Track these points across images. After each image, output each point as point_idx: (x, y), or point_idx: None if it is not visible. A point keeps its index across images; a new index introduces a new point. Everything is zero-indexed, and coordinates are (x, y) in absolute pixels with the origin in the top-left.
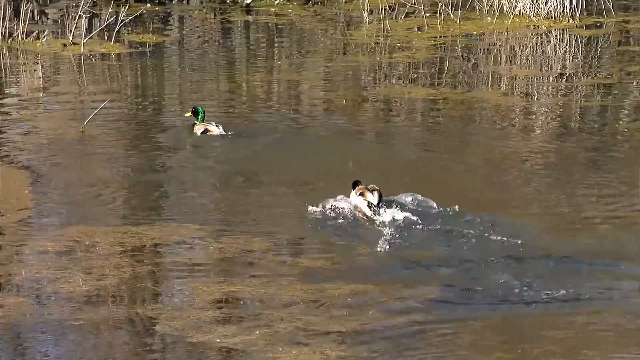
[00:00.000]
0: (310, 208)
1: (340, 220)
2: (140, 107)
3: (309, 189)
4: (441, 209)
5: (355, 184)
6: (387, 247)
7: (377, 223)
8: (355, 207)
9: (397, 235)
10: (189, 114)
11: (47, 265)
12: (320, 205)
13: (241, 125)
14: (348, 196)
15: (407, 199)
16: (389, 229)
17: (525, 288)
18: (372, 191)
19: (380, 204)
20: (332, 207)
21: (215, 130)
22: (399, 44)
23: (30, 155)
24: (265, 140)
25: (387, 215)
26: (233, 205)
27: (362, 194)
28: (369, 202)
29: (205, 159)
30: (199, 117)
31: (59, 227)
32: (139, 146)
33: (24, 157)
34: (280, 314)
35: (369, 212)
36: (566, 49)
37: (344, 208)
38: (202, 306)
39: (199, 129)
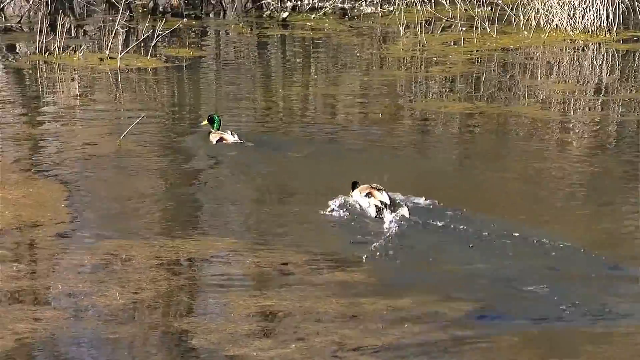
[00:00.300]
0: (320, 212)
1: (372, 233)
2: (176, 120)
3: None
4: (479, 219)
5: (354, 185)
6: (421, 259)
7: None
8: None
9: (428, 247)
10: (205, 122)
11: (84, 278)
12: (328, 209)
13: (277, 137)
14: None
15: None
16: (418, 240)
17: (562, 302)
18: (379, 190)
19: (390, 202)
20: (342, 205)
21: (230, 138)
22: (435, 58)
23: (67, 168)
24: (301, 153)
25: (398, 216)
26: (268, 218)
27: (369, 194)
28: (381, 202)
29: (241, 172)
30: (215, 125)
31: (95, 240)
32: (175, 160)
33: (61, 171)
34: (316, 327)
35: (374, 213)
36: (603, 63)
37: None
38: (237, 320)
39: (214, 137)
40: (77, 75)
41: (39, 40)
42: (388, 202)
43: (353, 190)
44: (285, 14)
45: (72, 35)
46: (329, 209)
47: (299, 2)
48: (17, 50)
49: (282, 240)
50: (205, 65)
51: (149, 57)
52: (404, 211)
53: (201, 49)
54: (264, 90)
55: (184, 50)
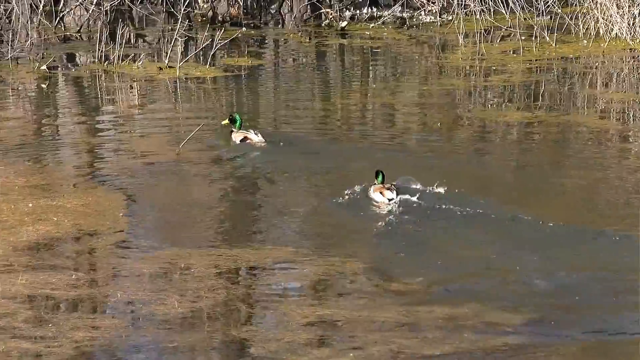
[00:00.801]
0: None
1: (426, 242)
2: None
3: (400, 211)
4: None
5: (377, 174)
6: (476, 267)
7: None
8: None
9: (483, 256)
10: (226, 121)
11: (143, 287)
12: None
13: (334, 145)
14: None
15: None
16: (472, 248)
17: (623, 311)
18: (390, 190)
19: (395, 198)
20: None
21: (254, 138)
22: (494, 67)
23: (126, 177)
24: (358, 161)
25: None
26: (325, 226)
27: (381, 192)
28: (389, 199)
29: (297, 181)
30: (237, 124)
31: (154, 249)
32: (234, 168)
33: (120, 180)
34: (374, 336)
35: (385, 207)
36: None
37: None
38: (295, 329)
39: (237, 136)
40: (136, 85)
41: (99, 50)
42: (395, 198)
43: (377, 179)
44: (344, 23)
45: (132, 44)
46: (341, 198)
47: (358, 11)
48: (76, 59)
49: (339, 249)
50: (264, 74)
51: (207, 66)
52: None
53: (260, 58)
54: (322, 99)
55: (243, 60)
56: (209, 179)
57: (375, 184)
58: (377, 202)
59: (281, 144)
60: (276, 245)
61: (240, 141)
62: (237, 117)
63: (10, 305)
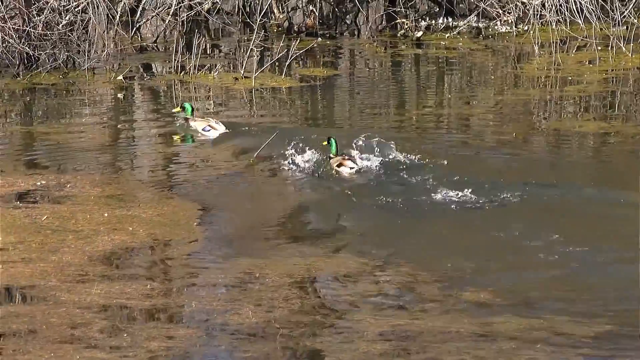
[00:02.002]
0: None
1: (499, 251)
2: (309, 139)
3: (472, 218)
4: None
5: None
6: (552, 278)
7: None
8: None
9: (558, 264)
10: (178, 109)
11: (217, 297)
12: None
13: (408, 155)
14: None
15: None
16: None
17: None
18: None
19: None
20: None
21: (218, 127)
22: (569, 77)
23: (200, 187)
24: (432, 170)
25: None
26: (398, 236)
27: (339, 164)
28: (350, 168)
29: (370, 190)
30: (188, 111)
31: (228, 258)
32: (307, 178)
33: (195, 189)
34: (448, 347)
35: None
36: None
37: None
38: (370, 339)
39: (199, 125)
40: (211, 95)
41: (175, 60)
42: (356, 167)
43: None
44: (419, 33)
45: (208, 54)
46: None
47: (434, 22)
48: (152, 70)
49: (412, 259)
50: (339, 84)
51: (283, 76)
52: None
53: (335, 68)
54: (397, 109)
55: (318, 70)
56: (282, 188)
57: (331, 156)
58: (343, 174)
59: (355, 153)
60: (349, 255)
61: (203, 130)
62: (187, 105)
63: (86, 314)
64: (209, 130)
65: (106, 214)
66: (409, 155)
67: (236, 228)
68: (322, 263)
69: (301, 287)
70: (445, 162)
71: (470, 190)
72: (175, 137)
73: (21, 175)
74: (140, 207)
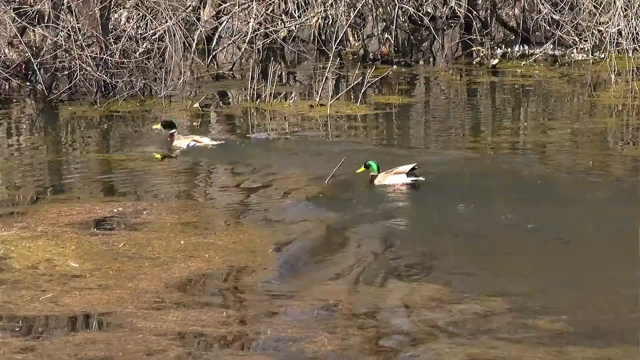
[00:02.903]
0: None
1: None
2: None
3: (547, 247)
4: None
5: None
6: (627, 307)
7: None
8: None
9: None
10: (158, 125)
11: (292, 324)
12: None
13: (485, 183)
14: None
15: None
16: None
17: None
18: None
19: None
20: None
21: (205, 140)
22: None
23: (275, 213)
24: (506, 198)
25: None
26: (471, 264)
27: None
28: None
29: (443, 218)
30: (174, 127)
31: (303, 286)
32: (379, 204)
33: (270, 216)
34: None
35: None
36: None
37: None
38: None
39: (184, 142)
40: (287, 122)
41: (250, 87)
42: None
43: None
44: (495, 61)
45: (283, 82)
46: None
47: (509, 49)
48: (228, 97)
49: (486, 287)
50: (414, 111)
51: (358, 103)
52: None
53: (410, 95)
54: (472, 137)
55: (393, 97)
56: (356, 214)
57: (375, 175)
58: (395, 184)
59: (421, 178)
60: (422, 283)
61: (189, 146)
62: (174, 120)
63: (162, 341)
64: (194, 144)
65: (182, 241)
66: (482, 183)
67: (311, 255)
68: (396, 291)
69: (375, 315)
70: (520, 190)
71: (545, 218)
72: (156, 155)
73: (98, 202)
74: (215, 234)
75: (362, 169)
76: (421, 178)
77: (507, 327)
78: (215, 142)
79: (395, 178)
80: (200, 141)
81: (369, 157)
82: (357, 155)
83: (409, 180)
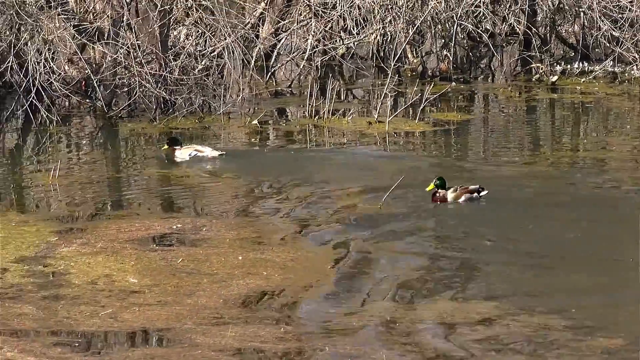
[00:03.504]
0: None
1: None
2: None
3: (606, 263)
4: None
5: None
6: None
7: None
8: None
9: None
10: (166, 146)
11: (350, 341)
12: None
13: (541, 199)
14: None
15: None
16: None
17: None
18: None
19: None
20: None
21: (206, 150)
22: None
23: (332, 230)
24: (565, 214)
25: None
26: (528, 280)
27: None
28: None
29: (501, 234)
30: (178, 143)
31: (363, 303)
32: (435, 223)
33: (327, 233)
34: None
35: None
36: None
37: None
38: None
39: (185, 152)
40: (345, 138)
41: (309, 104)
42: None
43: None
44: (554, 78)
45: (341, 99)
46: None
47: (569, 66)
48: (287, 114)
49: (543, 304)
50: (473, 128)
51: (416, 120)
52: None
53: (469, 112)
54: (531, 153)
55: (452, 114)
56: (414, 231)
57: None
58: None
59: (481, 195)
60: (480, 300)
61: (190, 156)
62: (176, 137)
63: (221, 357)
64: (196, 154)
65: (240, 257)
66: (541, 199)
67: (368, 272)
68: (453, 308)
69: (434, 332)
70: (578, 207)
71: (604, 236)
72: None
73: (157, 218)
74: (273, 250)
75: (432, 186)
76: (484, 192)
77: (566, 344)
78: (216, 153)
79: (459, 196)
80: (201, 151)
81: (428, 174)
82: (415, 172)
83: (467, 197)
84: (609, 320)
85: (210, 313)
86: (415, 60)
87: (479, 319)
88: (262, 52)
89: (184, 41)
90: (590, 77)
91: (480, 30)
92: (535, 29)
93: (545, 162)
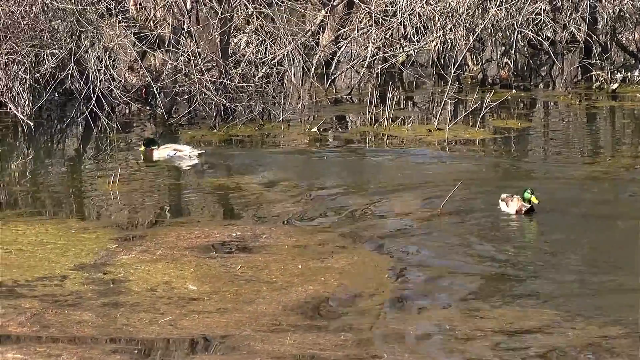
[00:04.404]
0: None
1: None
2: (494, 192)
3: None
4: None
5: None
6: None
7: None
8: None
9: None
10: (142, 148)
11: (409, 348)
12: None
13: (598, 208)
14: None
15: None
16: None
17: None
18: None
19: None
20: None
21: (185, 149)
22: None
23: (390, 237)
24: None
25: None
26: (584, 289)
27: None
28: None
29: (555, 241)
30: (155, 143)
31: (418, 311)
32: (492, 230)
33: (385, 239)
34: None
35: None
36: None
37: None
38: None
39: (164, 152)
40: (405, 146)
41: (369, 111)
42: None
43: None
44: (615, 85)
45: (401, 106)
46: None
47: (629, 74)
48: (346, 121)
49: (600, 313)
50: (533, 136)
51: (476, 128)
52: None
53: (529, 120)
54: (591, 161)
55: (512, 122)
56: (466, 241)
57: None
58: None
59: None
60: (538, 308)
61: (170, 155)
62: (153, 137)
63: None
64: (175, 153)
65: (300, 265)
66: (599, 208)
67: (424, 279)
68: (511, 316)
69: (493, 339)
70: (636, 218)
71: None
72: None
73: (217, 226)
74: (333, 258)
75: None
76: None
77: (622, 352)
78: (195, 152)
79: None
80: (181, 150)
81: (485, 182)
82: (474, 177)
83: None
84: None
85: (269, 320)
86: (475, 68)
87: (538, 325)
88: (322, 60)
89: (244, 49)
90: None
91: (541, 38)
92: (596, 36)
93: (606, 170)
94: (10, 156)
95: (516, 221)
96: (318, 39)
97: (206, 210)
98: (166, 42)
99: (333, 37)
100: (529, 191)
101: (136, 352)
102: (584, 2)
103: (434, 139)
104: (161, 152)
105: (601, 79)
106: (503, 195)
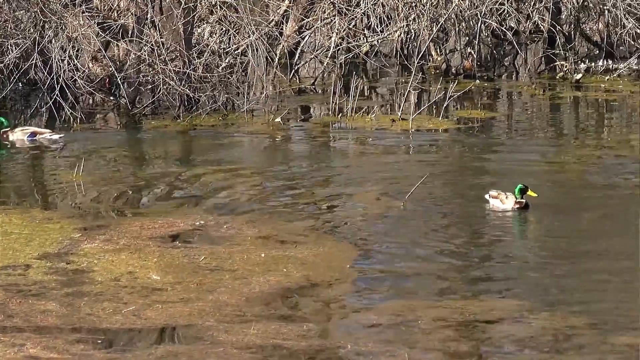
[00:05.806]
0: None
1: None
2: (459, 183)
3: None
4: None
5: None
6: None
7: None
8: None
9: None
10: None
11: (371, 338)
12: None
13: (567, 200)
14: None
15: None
16: None
17: None
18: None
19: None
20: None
21: (45, 132)
22: None
23: (354, 228)
24: (592, 213)
25: None
26: (551, 279)
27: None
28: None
29: (527, 233)
30: (5, 124)
31: (381, 300)
32: (458, 221)
33: (349, 230)
34: None
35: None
36: None
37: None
38: None
39: (21, 134)
40: (368, 137)
41: (332, 102)
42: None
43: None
44: (578, 76)
45: (365, 96)
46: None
47: (593, 64)
48: (310, 112)
49: (566, 303)
50: (497, 126)
51: (440, 118)
52: None
53: (493, 110)
54: (554, 152)
55: (476, 112)
56: (432, 231)
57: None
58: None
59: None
60: (502, 298)
61: (28, 138)
62: (2, 118)
63: (243, 355)
64: (35, 136)
65: (263, 255)
66: (568, 199)
67: (388, 270)
68: (474, 306)
69: (456, 330)
70: (604, 207)
71: (627, 234)
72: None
73: (180, 215)
74: (296, 248)
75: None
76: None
77: (588, 343)
78: (56, 135)
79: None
80: (41, 132)
81: (450, 172)
82: (437, 169)
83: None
84: (635, 320)
85: (232, 310)
86: (439, 58)
87: (503, 315)
88: (285, 50)
89: (207, 39)
90: (615, 75)
91: (505, 28)
92: (560, 26)
93: (570, 160)
94: None
95: (482, 212)
96: (282, 29)
97: (169, 200)
98: (130, 32)
99: (297, 27)
100: (521, 187)
101: (100, 341)
102: None
103: (398, 129)
104: (17, 135)
105: (565, 69)
106: (493, 192)
